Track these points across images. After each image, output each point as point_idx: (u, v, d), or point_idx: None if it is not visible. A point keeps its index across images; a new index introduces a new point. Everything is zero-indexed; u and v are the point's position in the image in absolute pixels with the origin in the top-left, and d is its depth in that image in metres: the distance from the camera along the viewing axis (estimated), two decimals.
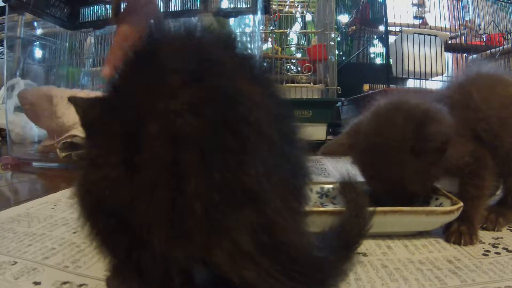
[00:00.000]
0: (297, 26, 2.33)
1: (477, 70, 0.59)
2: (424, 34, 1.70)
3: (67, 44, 1.60)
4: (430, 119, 0.48)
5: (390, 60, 1.73)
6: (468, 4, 1.97)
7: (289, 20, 2.23)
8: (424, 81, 1.66)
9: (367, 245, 0.47)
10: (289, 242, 0.27)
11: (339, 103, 1.94)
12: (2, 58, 1.56)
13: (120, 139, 0.27)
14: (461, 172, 0.52)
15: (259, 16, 1.33)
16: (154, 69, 0.28)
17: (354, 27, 2.13)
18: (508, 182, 0.56)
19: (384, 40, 1.73)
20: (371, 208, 0.42)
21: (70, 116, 1.08)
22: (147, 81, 0.28)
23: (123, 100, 0.28)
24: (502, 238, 0.49)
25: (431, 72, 1.67)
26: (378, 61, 2.12)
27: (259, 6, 1.30)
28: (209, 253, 0.26)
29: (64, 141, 1.08)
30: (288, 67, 2.05)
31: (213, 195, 0.25)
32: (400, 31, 1.75)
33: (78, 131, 1.05)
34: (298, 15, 2.31)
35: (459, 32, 1.93)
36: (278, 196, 0.27)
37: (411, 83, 1.73)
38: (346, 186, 0.47)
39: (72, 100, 0.33)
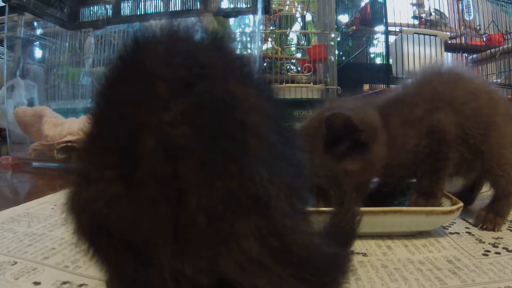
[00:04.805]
0: (297, 26, 2.33)
1: (436, 69, 0.60)
2: (424, 34, 1.70)
3: (67, 44, 1.60)
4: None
5: (390, 60, 1.73)
6: (469, 5, 1.97)
7: (289, 20, 2.23)
8: None
9: (367, 245, 0.47)
10: (300, 244, 0.27)
11: None
12: (2, 58, 1.56)
13: (113, 153, 0.26)
14: (423, 158, 0.53)
15: (259, 16, 1.33)
16: (141, 78, 0.27)
17: (354, 27, 2.13)
18: (499, 185, 0.55)
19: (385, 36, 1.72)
20: (362, 208, 0.42)
21: (55, 135, 1.14)
22: (135, 91, 0.26)
23: (112, 112, 0.27)
24: (502, 238, 0.49)
25: None
26: (378, 61, 2.12)
27: (259, 6, 1.30)
28: (218, 265, 0.25)
29: (64, 144, 1.09)
30: (288, 67, 2.05)
31: (216, 205, 0.24)
32: (400, 31, 1.74)
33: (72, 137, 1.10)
34: (298, 15, 2.31)
35: (459, 32, 1.93)
36: (284, 200, 0.26)
37: None
38: (335, 186, 0.47)
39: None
